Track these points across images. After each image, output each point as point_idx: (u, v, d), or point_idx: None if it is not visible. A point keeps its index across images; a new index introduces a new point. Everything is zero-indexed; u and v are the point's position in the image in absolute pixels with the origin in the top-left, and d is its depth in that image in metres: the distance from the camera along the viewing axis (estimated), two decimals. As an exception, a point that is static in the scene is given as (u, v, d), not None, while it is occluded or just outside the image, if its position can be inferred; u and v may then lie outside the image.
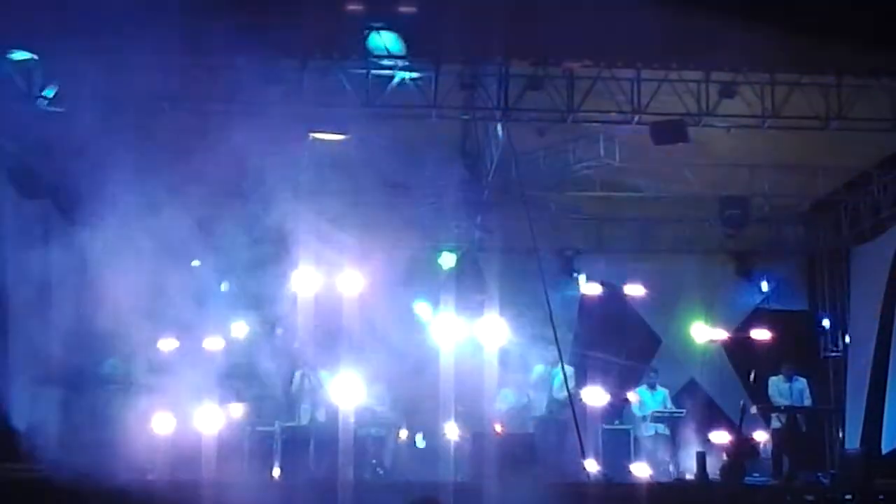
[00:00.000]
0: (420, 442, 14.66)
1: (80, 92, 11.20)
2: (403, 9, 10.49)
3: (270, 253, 14.42)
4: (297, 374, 13.72)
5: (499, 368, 15.24)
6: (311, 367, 13.65)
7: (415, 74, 11.78)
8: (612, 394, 14.26)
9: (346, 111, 11.72)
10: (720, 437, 13.35)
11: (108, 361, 13.25)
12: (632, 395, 14.33)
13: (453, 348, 13.81)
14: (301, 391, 13.65)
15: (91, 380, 12.98)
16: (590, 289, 16.23)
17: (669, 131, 11.88)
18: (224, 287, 14.79)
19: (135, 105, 11.62)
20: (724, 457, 12.74)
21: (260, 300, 15.16)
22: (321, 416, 13.57)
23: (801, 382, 13.72)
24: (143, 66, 11.17)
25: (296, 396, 13.72)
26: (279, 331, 14.38)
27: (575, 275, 16.35)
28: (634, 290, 16.08)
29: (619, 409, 14.53)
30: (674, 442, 13.95)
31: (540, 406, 14.09)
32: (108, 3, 9.15)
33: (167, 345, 13.76)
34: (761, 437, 13.57)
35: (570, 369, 13.94)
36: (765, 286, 16.49)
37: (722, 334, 15.71)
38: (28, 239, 13.03)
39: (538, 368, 14.12)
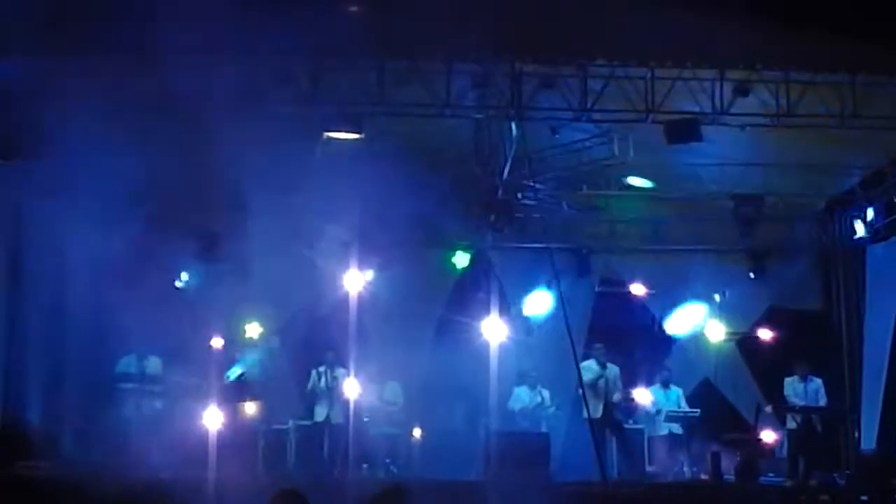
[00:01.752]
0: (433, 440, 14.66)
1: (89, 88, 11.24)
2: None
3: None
4: (314, 373, 13.74)
5: (512, 367, 15.30)
6: (327, 366, 13.67)
7: None
8: (624, 393, 14.27)
9: (359, 110, 11.71)
10: (735, 436, 13.35)
11: (122, 360, 13.30)
12: (641, 395, 14.26)
13: (469, 347, 13.82)
14: (317, 389, 13.65)
15: (105, 378, 13.01)
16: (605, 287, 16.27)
17: (683, 130, 11.85)
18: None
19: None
20: (739, 457, 12.73)
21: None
22: (336, 415, 13.59)
23: (816, 382, 13.67)
24: (154, 66, 11.21)
25: (312, 395, 13.75)
26: None
27: (588, 274, 16.34)
28: (647, 288, 16.09)
29: (632, 408, 14.51)
30: (688, 442, 13.92)
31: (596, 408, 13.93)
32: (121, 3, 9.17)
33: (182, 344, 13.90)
34: (770, 437, 13.51)
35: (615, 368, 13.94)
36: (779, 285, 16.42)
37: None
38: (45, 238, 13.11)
39: (589, 366, 13.87)
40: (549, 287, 14.75)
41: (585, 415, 12.66)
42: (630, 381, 14.36)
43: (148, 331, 13.44)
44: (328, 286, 14.21)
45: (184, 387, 13.13)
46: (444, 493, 10.72)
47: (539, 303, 15.54)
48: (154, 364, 13.30)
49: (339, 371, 13.72)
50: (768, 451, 13.85)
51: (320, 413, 13.61)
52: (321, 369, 13.69)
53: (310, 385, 13.79)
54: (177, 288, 15.25)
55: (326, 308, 14.38)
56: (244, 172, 14.16)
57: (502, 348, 14.78)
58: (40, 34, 9.75)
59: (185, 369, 13.50)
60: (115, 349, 13.57)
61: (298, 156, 13.21)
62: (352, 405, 13.66)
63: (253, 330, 15.53)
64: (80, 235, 14.01)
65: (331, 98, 11.68)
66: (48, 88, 11.10)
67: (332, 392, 13.59)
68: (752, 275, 16.21)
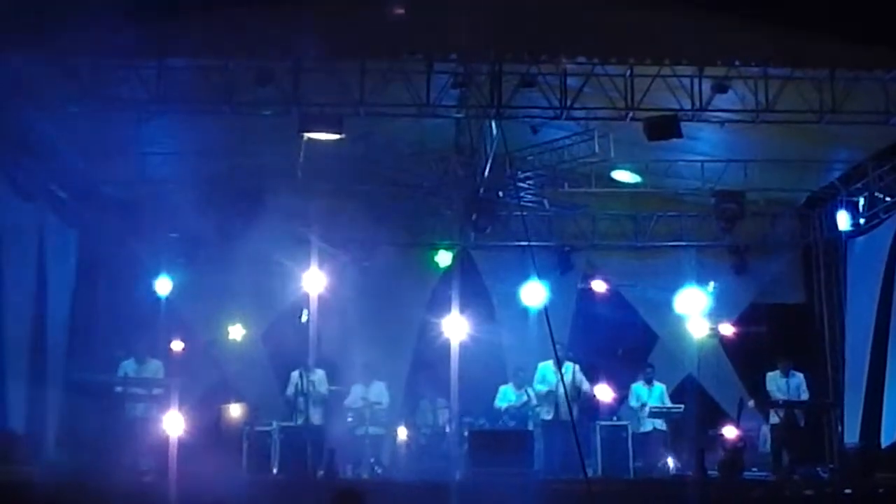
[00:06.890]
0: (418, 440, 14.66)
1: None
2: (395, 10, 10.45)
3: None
4: (293, 375, 13.70)
5: (497, 366, 15.32)
6: (304, 368, 13.62)
7: None
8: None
9: (340, 110, 11.69)
10: (718, 432, 13.39)
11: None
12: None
13: (452, 346, 13.81)
14: (296, 392, 13.60)
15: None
16: (593, 285, 16.31)
17: (663, 127, 11.87)
18: None
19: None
20: (722, 452, 12.77)
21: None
22: (317, 417, 13.56)
23: (798, 377, 13.70)
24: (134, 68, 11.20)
25: (291, 397, 13.70)
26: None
27: (571, 271, 16.38)
28: (630, 285, 16.15)
29: (616, 405, 14.53)
30: (672, 438, 13.95)
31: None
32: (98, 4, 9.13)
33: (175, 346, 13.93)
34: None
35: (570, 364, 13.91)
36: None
37: (726, 329, 15.63)
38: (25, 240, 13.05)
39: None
40: (540, 278, 14.70)
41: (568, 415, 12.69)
42: (613, 378, 14.35)
43: (129, 335, 13.47)
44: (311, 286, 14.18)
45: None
46: (428, 493, 10.75)
47: (532, 294, 15.49)
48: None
49: (317, 373, 13.67)
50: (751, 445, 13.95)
51: (300, 415, 13.55)
52: (300, 371, 13.62)
53: (289, 388, 13.74)
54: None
55: (310, 309, 14.33)
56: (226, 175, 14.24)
57: (488, 346, 14.84)
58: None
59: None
60: (101, 353, 13.57)
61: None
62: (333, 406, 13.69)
63: (237, 332, 15.55)
64: (62, 241, 14.03)
65: (312, 99, 11.65)
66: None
67: (310, 394, 13.50)
68: (733, 270, 16.27)
